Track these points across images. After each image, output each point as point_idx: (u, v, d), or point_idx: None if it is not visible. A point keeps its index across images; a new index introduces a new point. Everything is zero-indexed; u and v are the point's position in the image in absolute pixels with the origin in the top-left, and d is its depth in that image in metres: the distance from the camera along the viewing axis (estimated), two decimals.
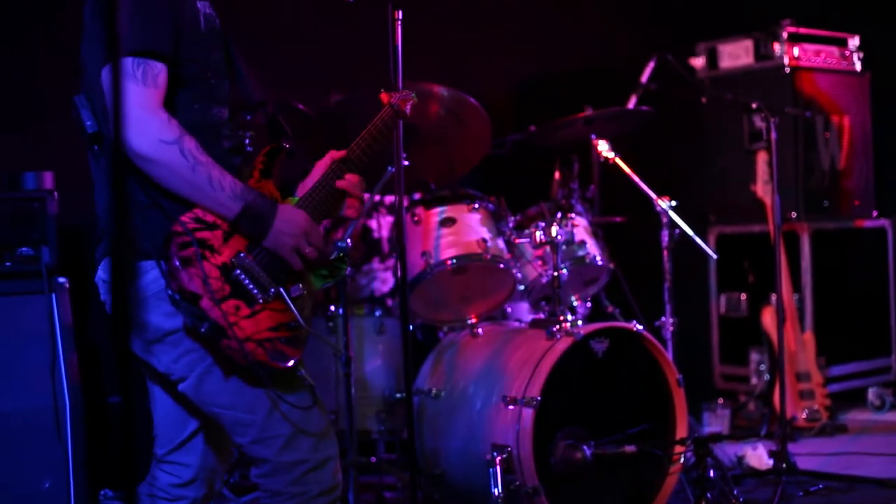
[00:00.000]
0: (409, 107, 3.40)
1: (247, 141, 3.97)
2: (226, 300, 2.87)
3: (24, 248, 4.17)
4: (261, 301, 2.93)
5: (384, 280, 5.54)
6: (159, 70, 2.87)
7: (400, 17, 4.00)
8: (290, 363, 2.96)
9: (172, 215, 2.90)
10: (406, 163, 4.27)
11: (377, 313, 5.07)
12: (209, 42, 3.06)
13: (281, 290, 2.97)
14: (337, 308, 4.84)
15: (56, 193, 4.18)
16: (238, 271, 2.92)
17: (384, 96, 3.39)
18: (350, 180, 3.17)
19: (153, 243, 2.90)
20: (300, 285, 3.02)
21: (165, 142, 2.83)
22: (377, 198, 5.53)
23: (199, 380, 2.98)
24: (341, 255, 3.18)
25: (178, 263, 2.84)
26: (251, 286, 2.93)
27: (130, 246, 2.84)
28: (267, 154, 3.13)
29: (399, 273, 4.15)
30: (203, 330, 2.84)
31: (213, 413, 3.06)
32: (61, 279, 4.17)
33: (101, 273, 3.09)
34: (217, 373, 2.97)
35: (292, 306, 2.98)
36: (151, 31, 2.87)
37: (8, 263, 4.12)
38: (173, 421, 3.22)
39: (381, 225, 5.65)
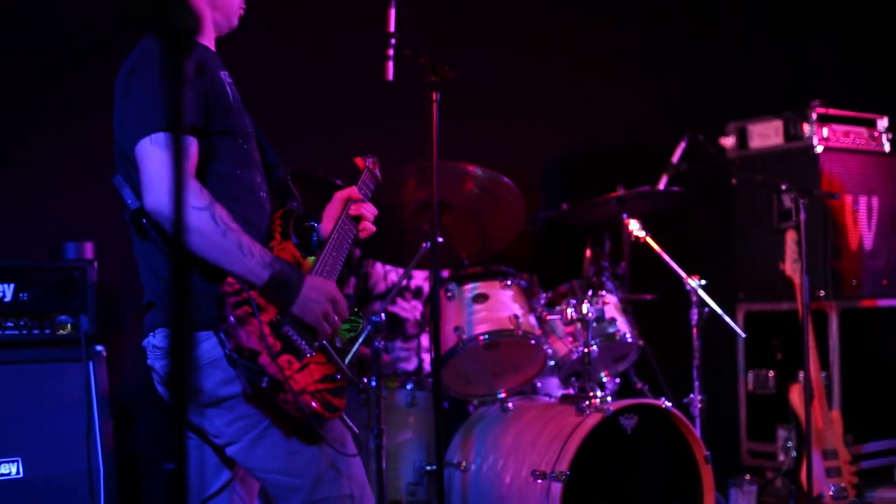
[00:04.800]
0: (378, 170, 3.63)
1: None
2: (279, 355, 2.94)
3: (63, 317, 4.26)
4: (308, 354, 3.01)
5: (407, 359, 5.59)
6: (189, 142, 2.98)
7: (437, 98, 4.10)
8: (340, 412, 3.07)
9: (212, 287, 2.98)
10: (440, 239, 4.34)
11: (409, 387, 5.12)
12: (239, 111, 3.18)
13: (325, 343, 3.08)
14: (369, 381, 4.90)
15: (96, 263, 4.26)
16: (287, 327, 2.99)
17: (359, 161, 3.60)
18: (359, 207, 3.38)
19: (205, 313, 2.96)
20: (337, 339, 3.15)
21: (197, 208, 2.90)
22: (403, 282, 5.62)
23: (251, 445, 3.07)
24: (356, 309, 3.29)
25: (233, 321, 2.89)
26: (299, 341, 3.01)
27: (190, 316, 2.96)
28: (282, 217, 3.23)
29: (432, 347, 4.22)
30: (263, 385, 2.89)
31: (261, 478, 3.15)
32: (99, 347, 4.23)
33: (153, 339, 3.16)
34: (269, 437, 3.06)
35: (337, 358, 3.09)
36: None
37: (48, 331, 4.20)
38: (204, 475, 3.29)
39: (406, 308, 5.71)
